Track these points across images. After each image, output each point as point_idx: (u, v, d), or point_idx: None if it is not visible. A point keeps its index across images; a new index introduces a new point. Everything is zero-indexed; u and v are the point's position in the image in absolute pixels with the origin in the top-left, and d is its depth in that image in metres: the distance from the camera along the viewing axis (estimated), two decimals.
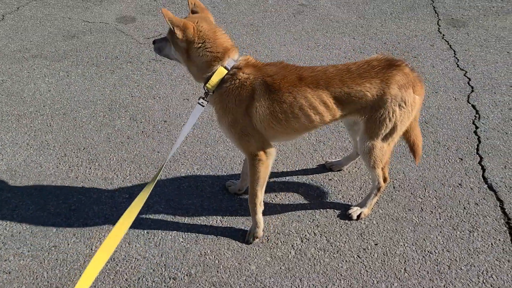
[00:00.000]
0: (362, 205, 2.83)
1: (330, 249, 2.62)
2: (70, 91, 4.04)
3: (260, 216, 2.64)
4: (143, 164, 3.24)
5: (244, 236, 2.71)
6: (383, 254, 2.58)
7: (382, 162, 2.57)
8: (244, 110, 2.37)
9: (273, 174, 3.14)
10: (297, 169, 3.20)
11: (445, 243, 2.62)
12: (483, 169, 3.13)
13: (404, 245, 2.63)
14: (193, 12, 2.49)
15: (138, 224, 2.77)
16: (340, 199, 2.95)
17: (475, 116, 3.62)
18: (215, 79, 2.34)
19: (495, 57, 4.44)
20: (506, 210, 2.81)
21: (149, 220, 2.81)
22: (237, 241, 2.68)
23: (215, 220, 2.81)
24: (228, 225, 2.78)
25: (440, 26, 5.05)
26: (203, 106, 2.41)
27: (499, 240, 2.63)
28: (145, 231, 2.74)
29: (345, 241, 2.67)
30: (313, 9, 5.51)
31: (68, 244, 2.67)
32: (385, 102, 2.36)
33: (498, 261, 2.51)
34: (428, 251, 2.59)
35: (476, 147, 3.33)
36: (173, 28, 2.25)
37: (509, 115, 3.63)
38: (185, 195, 2.99)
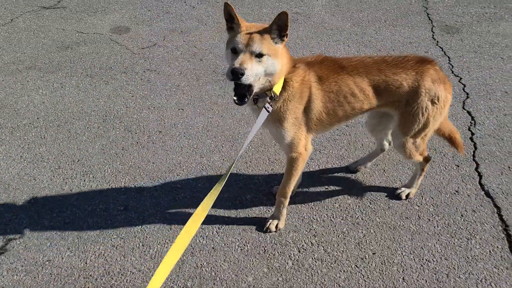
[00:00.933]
0: (409, 185, 2.97)
1: (328, 259, 2.60)
2: (64, 103, 4.02)
3: (285, 209, 2.76)
4: (138, 176, 3.22)
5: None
6: (381, 263, 2.56)
7: (418, 152, 2.69)
8: (303, 106, 2.44)
9: (268, 184, 3.13)
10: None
11: (443, 251, 2.61)
12: (480, 176, 3.12)
13: (402, 253, 2.61)
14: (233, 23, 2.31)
15: (133, 236, 2.74)
16: (337, 208, 2.93)
17: (470, 122, 3.62)
18: (279, 85, 2.34)
19: (489, 63, 4.45)
20: (503, 216, 2.80)
21: (144, 232, 2.78)
22: (233, 252, 2.65)
23: (211, 231, 2.78)
24: (225, 236, 2.75)
25: (434, 32, 5.07)
26: (269, 112, 2.31)
27: (497, 247, 2.61)
28: (141, 244, 2.71)
29: (342, 251, 2.64)
30: (308, 17, 5.53)
31: (63, 258, 2.63)
32: (419, 96, 2.46)
33: (497, 269, 2.49)
34: (426, 260, 2.57)
35: (472, 153, 3.32)
36: (286, 28, 2.17)
37: (504, 121, 3.63)
38: (180, 206, 2.97)
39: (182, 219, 2.86)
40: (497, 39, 4.88)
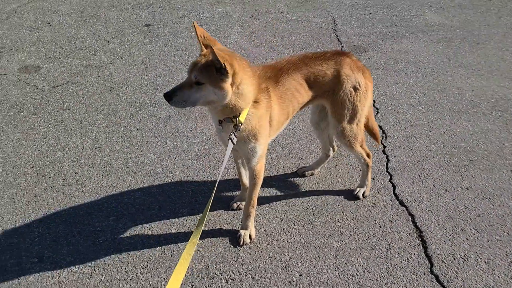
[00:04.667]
0: (362, 185, 3.20)
1: (256, 286, 2.58)
2: None
3: (253, 218, 2.90)
4: (53, 223, 3.03)
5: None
6: (308, 284, 2.58)
7: (357, 140, 2.96)
8: (268, 119, 2.61)
9: (193, 214, 3.08)
10: (217, 206, 3.16)
11: (365, 264, 2.69)
12: (394, 186, 3.29)
13: (327, 271, 2.66)
14: (204, 45, 2.35)
15: None
16: (263, 233, 2.94)
17: (382, 136, 3.83)
18: (245, 112, 2.43)
19: (394, 78, 4.76)
20: (417, 223, 2.96)
21: (62, 283, 2.60)
22: None
23: (135, 274, 2.67)
24: (150, 277, 2.64)
25: None
26: (234, 143, 2.42)
27: (414, 254, 2.74)
28: None
29: (270, 276, 2.64)
30: (224, 45, 5.59)
31: None
32: (342, 83, 2.77)
33: (415, 275, 2.61)
34: (351, 275, 2.63)
35: (385, 165, 3.50)
36: (224, 64, 2.17)
37: (411, 132, 3.88)
38: (101, 250, 2.82)
39: (103, 265, 2.72)
40: (401, 56, 5.25)
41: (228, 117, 2.44)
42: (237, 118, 2.41)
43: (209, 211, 3.09)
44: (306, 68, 2.74)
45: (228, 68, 2.20)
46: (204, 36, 2.38)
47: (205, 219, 2.10)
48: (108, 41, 5.80)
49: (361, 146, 3.02)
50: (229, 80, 2.26)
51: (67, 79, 4.89)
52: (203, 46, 2.34)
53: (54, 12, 6.78)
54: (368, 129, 3.14)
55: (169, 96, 2.30)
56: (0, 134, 3.96)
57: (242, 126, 2.45)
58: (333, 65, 2.77)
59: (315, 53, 2.83)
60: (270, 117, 2.63)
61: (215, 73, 2.23)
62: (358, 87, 2.80)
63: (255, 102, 2.50)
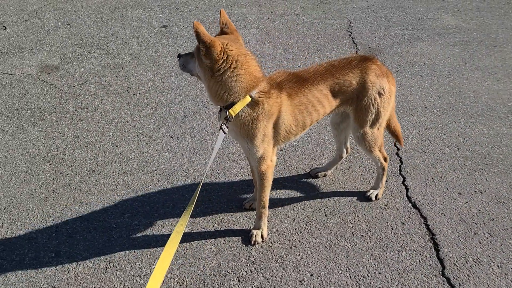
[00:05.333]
0: (375, 187, 3.21)
1: (267, 285, 2.61)
2: None
3: (266, 218, 2.91)
4: (70, 219, 3.11)
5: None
6: (319, 284, 2.60)
7: (377, 145, 2.96)
8: (272, 124, 2.61)
9: (207, 214, 3.12)
10: (231, 206, 3.20)
11: (376, 266, 2.70)
12: (407, 189, 3.29)
13: (338, 272, 2.68)
14: (222, 32, 2.54)
15: (65, 284, 2.62)
16: (275, 232, 2.96)
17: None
18: (238, 107, 2.46)
19: (409, 81, 4.75)
20: (430, 226, 2.95)
21: (78, 278, 2.67)
22: None
23: (148, 269, 2.72)
24: None
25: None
26: (226, 133, 2.49)
27: (426, 256, 2.74)
28: None
29: (281, 275, 2.67)
30: None
31: None
32: (367, 90, 2.75)
33: (427, 277, 2.61)
34: (362, 276, 2.64)
35: (399, 168, 3.50)
36: (199, 42, 2.28)
37: (425, 134, 3.86)
38: (116, 246, 2.88)
39: (118, 260, 2.78)
40: (416, 58, 5.23)
41: (223, 107, 2.51)
42: (228, 110, 2.46)
43: (222, 211, 3.15)
44: (332, 78, 2.72)
45: (202, 48, 2.30)
46: (226, 24, 2.54)
47: (193, 205, 2.18)
48: (126, 42, 5.90)
49: (380, 150, 3.02)
50: (206, 61, 2.36)
51: (85, 78, 4.99)
52: (220, 32, 2.54)
53: (73, 13, 6.92)
54: (391, 130, 3.13)
55: (180, 55, 2.59)
56: (20, 132, 4.07)
57: (234, 120, 2.51)
58: (358, 74, 2.75)
59: (341, 61, 2.79)
60: (277, 124, 2.62)
61: (199, 53, 2.38)
62: (383, 92, 2.79)
63: (255, 102, 2.49)
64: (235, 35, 2.53)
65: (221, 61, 2.35)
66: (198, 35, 2.25)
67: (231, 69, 2.39)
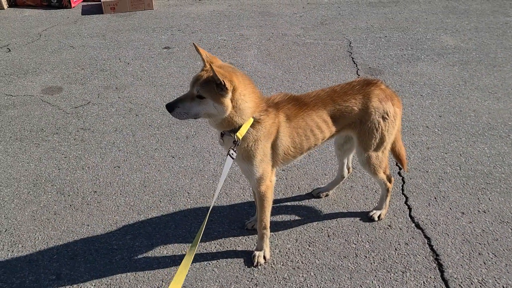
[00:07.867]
0: (379, 207, 3.19)
1: None
2: None
3: (268, 239, 2.88)
4: (71, 240, 3.09)
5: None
6: None
7: (381, 167, 2.93)
8: (271, 144, 2.60)
9: (208, 235, 3.10)
10: (233, 226, 3.18)
11: (380, 287, 2.67)
12: (410, 209, 3.27)
13: None
14: (208, 62, 2.41)
15: None
16: (277, 253, 2.94)
17: None
18: (244, 129, 2.45)
19: (410, 100, 4.78)
20: (433, 246, 2.93)
21: None
22: None
23: None
24: None
25: (359, 75, 5.40)
26: (234, 158, 2.45)
27: (430, 277, 2.71)
28: None
29: None
30: (241, 67, 5.72)
31: None
32: (370, 115, 2.71)
33: None
34: None
35: (401, 187, 3.49)
36: (223, 81, 2.23)
37: (427, 154, 3.87)
38: (118, 268, 2.86)
39: (120, 283, 2.75)
40: (416, 78, 5.27)
41: (228, 131, 2.48)
42: (235, 134, 2.43)
43: (224, 232, 3.13)
44: (333, 104, 2.69)
45: (228, 84, 2.26)
46: (206, 54, 2.45)
47: (199, 240, 2.14)
48: (129, 63, 5.96)
49: (384, 172, 2.98)
50: (229, 95, 2.33)
51: (88, 100, 5.03)
52: (206, 62, 2.39)
53: (77, 36, 7.01)
54: (395, 154, 3.07)
55: (171, 107, 2.36)
56: (23, 153, 4.08)
57: (240, 142, 2.48)
58: (361, 100, 2.70)
59: (343, 86, 2.75)
60: (275, 144, 2.61)
61: (215, 88, 2.29)
62: (387, 116, 2.73)
63: (257, 122, 2.50)
64: (217, 61, 2.50)
65: (240, 88, 2.36)
66: (221, 74, 2.21)
67: (246, 97, 2.42)
